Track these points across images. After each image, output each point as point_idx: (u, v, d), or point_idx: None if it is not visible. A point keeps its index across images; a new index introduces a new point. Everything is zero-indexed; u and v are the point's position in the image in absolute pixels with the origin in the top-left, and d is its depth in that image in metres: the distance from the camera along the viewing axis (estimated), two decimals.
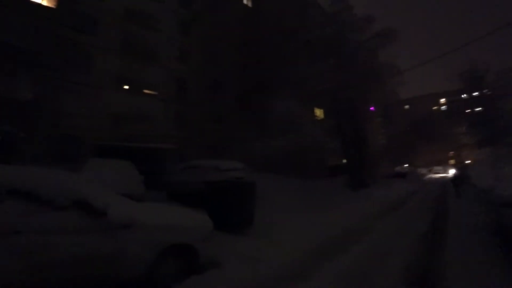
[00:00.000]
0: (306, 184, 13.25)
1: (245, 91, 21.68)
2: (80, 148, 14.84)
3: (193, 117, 21.03)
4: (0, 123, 10.53)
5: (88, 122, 16.08)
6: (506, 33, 74.00)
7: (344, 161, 22.37)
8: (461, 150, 46.29)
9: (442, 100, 62.41)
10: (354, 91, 13.51)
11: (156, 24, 19.92)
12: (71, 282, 2.94)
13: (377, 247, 5.86)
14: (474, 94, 32.10)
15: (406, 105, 54.88)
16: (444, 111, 52.47)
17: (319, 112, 23.63)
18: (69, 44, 15.62)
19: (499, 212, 6.21)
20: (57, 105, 15.09)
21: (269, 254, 4.78)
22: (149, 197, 7.67)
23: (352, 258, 5.07)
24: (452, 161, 55.97)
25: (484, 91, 30.93)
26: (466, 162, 38.75)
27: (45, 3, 15.31)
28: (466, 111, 32.66)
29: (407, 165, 37.82)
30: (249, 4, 25.70)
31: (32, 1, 14.85)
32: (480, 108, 31.02)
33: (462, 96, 34.92)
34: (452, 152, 55.21)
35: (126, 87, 18.52)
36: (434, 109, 57.81)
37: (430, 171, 43.16)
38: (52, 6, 15.44)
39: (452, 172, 29.21)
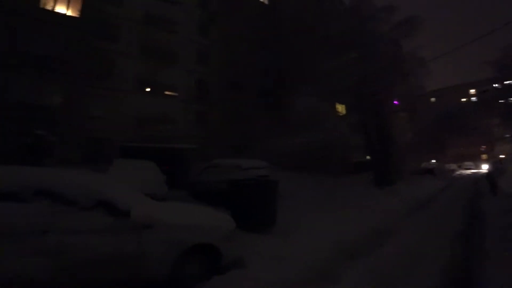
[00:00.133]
0: (330, 181, 12.94)
1: (266, 89, 21.56)
2: (106, 150, 15.38)
3: (214, 116, 21.22)
4: (33, 127, 11.09)
5: (113, 125, 16.64)
6: None
7: (368, 157, 21.71)
8: (494, 144, 43.53)
9: (472, 91, 59.00)
10: (378, 84, 13.00)
11: (174, 27, 20.28)
12: (95, 282, 2.96)
13: (408, 248, 5.53)
14: (507, 82, 29.94)
15: (433, 97, 52.25)
16: (474, 102, 49.68)
17: (341, 108, 23.08)
18: (93, 51, 16.23)
19: None
20: (84, 110, 15.73)
21: (294, 254, 4.63)
22: (171, 197, 7.76)
23: (382, 260, 4.80)
24: (484, 156, 52.77)
25: None
26: (501, 156, 36.41)
27: (69, 13, 15.96)
28: (499, 101, 30.57)
29: (434, 161, 36.09)
30: (266, 1, 25.54)
31: (57, 12, 15.53)
32: None
33: (494, 85, 32.74)
34: (484, 147, 52.10)
35: (147, 89, 18.98)
36: (463, 101, 54.73)
37: (459, 167, 40.94)
38: (76, 15, 16.08)
39: (485, 167, 27.48)
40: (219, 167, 9.42)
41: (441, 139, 29.55)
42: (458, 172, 35.48)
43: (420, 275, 4.26)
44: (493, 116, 32.14)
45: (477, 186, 17.53)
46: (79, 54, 15.45)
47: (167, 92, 19.92)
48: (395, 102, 19.10)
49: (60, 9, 15.71)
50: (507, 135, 30.17)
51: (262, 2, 25.15)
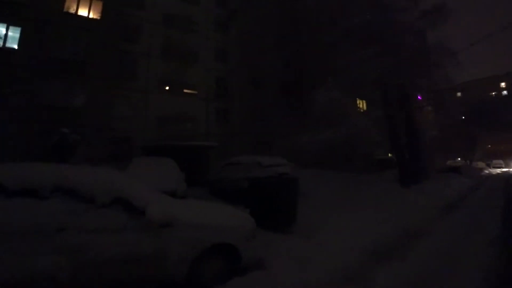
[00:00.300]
0: (352, 178, 12.49)
1: (286, 84, 21.23)
2: (128, 149, 15.71)
3: (234, 114, 21.19)
4: (58, 127, 11.46)
5: (135, 124, 16.99)
6: None
7: (390, 155, 20.86)
8: None
9: (503, 84, 55.47)
10: (403, 77, 12.36)
11: (193, 26, 20.42)
12: (111, 281, 2.87)
13: (440, 251, 5.14)
14: None
15: (461, 90, 49.61)
16: (505, 96, 46.71)
17: (362, 103, 22.33)
18: (116, 53, 16.59)
19: None
20: (107, 110, 16.14)
21: (317, 254, 4.38)
22: (191, 194, 7.71)
23: (412, 262, 4.47)
24: None
25: None
26: None
27: (91, 15, 16.38)
28: None
29: (459, 158, 34.25)
30: None
31: (80, 15, 15.98)
32: None
33: None
34: None
35: (168, 89, 19.22)
36: (494, 94, 51.53)
37: (488, 165, 38.49)
38: (98, 17, 16.48)
39: None
40: (239, 165, 9.27)
41: (470, 136, 27.96)
42: (486, 171, 33.15)
43: (456, 280, 3.91)
44: None
45: (510, 186, 16.35)
46: (102, 57, 15.85)
47: (187, 91, 20.09)
48: (418, 97, 18.19)
49: (83, 12, 16.15)
50: None
51: None
